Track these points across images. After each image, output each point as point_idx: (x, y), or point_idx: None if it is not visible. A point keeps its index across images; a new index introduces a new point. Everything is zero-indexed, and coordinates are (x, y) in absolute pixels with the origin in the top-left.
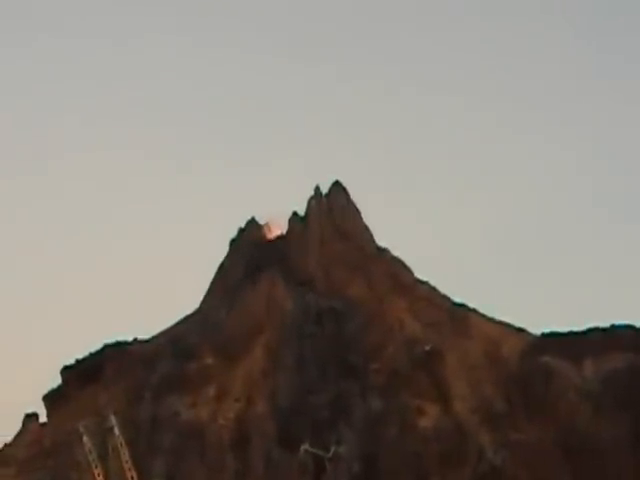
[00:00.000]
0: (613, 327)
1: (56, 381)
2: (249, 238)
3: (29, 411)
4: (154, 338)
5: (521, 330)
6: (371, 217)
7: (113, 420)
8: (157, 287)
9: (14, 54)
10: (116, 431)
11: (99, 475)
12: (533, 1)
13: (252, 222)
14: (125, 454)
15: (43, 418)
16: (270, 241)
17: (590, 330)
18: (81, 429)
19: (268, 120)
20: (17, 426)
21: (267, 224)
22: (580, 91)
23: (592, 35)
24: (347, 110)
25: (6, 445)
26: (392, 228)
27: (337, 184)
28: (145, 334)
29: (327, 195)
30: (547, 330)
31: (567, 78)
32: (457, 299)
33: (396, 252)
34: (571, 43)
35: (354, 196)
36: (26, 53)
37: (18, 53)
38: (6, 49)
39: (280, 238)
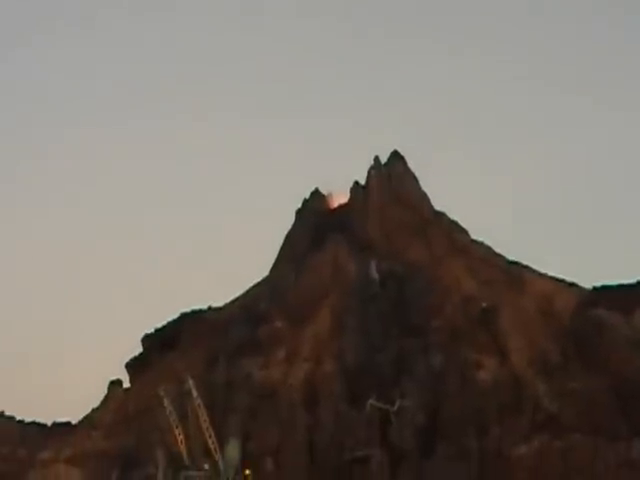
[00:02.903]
0: None
1: (138, 349)
2: (313, 208)
3: (113, 378)
4: (227, 306)
5: (573, 285)
6: (428, 183)
7: (191, 384)
8: (229, 258)
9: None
10: (194, 394)
11: (180, 435)
12: None
13: (316, 193)
14: (203, 415)
15: (126, 384)
16: (333, 210)
17: None
18: (162, 393)
19: (328, 94)
20: (103, 392)
21: (330, 194)
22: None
23: None
24: (405, 82)
25: (93, 410)
26: (448, 192)
27: (395, 153)
28: (219, 302)
29: (386, 164)
30: (598, 284)
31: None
32: (511, 257)
33: (452, 215)
34: None
35: (412, 164)
36: None
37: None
38: None
39: (343, 207)
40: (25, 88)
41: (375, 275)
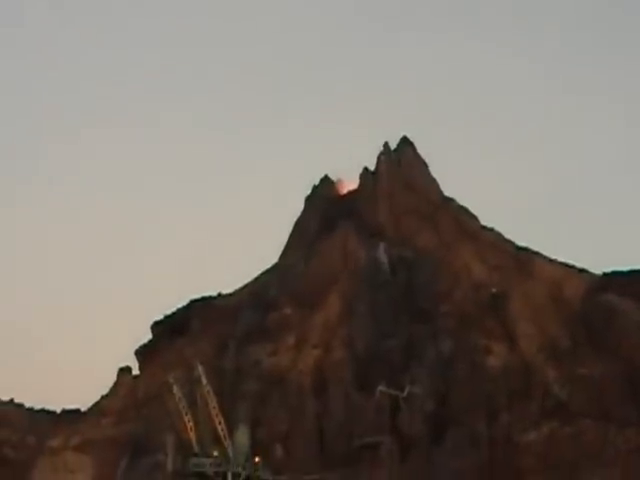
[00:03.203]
0: None
1: (147, 336)
2: (323, 194)
3: (122, 365)
4: (236, 292)
5: (583, 270)
6: (438, 169)
7: (200, 370)
8: (238, 244)
9: None
10: (203, 380)
11: (189, 422)
12: None
13: (325, 179)
14: (212, 401)
15: (136, 371)
16: (343, 196)
17: None
18: (171, 380)
19: (337, 80)
20: (112, 379)
21: (339, 180)
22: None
23: None
24: (415, 67)
25: (103, 397)
26: (457, 178)
27: (405, 139)
28: (228, 289)
29: (395, 150)
30: (609, 269)
31: None
32: (521, 243)
33: (462, 201)
34: None
35: (421, 149)
36: None
37: None
38: None
39: (352, 193)
40: None
41: (384, 261)
